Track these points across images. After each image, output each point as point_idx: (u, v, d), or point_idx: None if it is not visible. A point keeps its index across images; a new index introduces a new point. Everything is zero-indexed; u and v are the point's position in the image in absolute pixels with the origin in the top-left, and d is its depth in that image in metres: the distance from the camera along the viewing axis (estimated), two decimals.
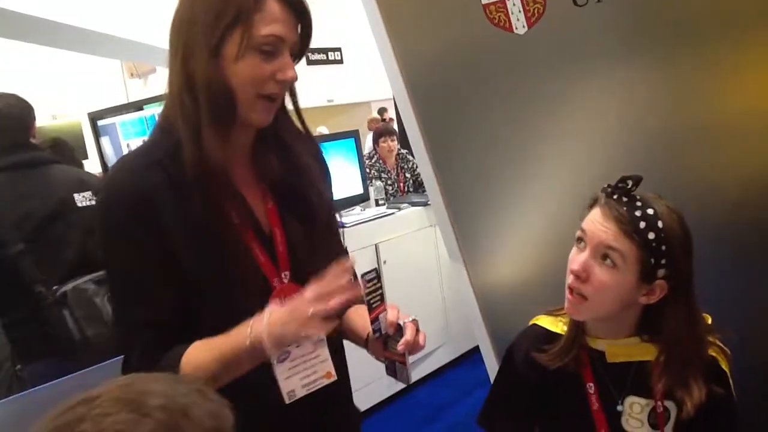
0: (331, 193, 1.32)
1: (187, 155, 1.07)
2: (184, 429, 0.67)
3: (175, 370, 1.04)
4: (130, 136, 3.25)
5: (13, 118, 2.27)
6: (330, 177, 1.34)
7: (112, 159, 3.25)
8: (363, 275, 1.14)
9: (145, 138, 1.21)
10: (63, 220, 2.22)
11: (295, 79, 1.11)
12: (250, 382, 1.13)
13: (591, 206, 1.23)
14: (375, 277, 1.14)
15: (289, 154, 1.18)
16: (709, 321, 1.29)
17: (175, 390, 0.71)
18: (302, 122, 1.22)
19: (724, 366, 1.27)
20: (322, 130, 6.31)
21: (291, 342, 1.07)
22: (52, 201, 2.21)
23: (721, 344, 1.29)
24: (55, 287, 2.12)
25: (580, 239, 1.22)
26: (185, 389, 0.72)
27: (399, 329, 1.16)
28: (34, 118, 2.38)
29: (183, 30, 1.07)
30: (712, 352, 1.27)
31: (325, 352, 1.20)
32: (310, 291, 1.03)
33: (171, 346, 1.07)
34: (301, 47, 1.14)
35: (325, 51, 8.21)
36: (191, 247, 1.07)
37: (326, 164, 1.34)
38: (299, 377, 1.16)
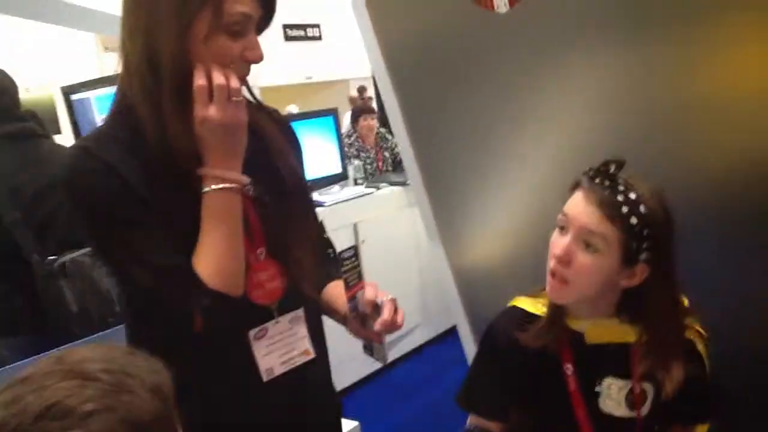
0: (302, 164, 1.30)
1: (149, 135, 1.04)
2: (129, 386, 0.69)
3: (198, 284, 1.02)
4: (105, 111, 3.18)
5: (4, 89, 2.24)
6: (299, 148, 1.31)
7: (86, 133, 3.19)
8: (340, 253, 1.13)
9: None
10: (53, 195, 2.19)
11: (262, 58, 1.08)
12: (229, 363, 1.12)
13: (573, 189, 1.22)
14: (353, 255, 1.14)
15: (249, 124, 1.15)
16: (686, 303, 1.30)
17: (109, 354, 0.72)
18: (253, 96, 1.19)
19: (700, 348, 1.29)
20: (291, 109, 6.24)
21: (231, 140, 1.06)
22: (44, 175, 2.18)
23: (698, 327, 1.30)
24: (51, 258, 2.09)
25: (561, 223, 1.22)
26: (118, 352, 0.73)
27: (377, 308, 1.15)
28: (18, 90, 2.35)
29: (144, 8, 1.03)
30: (689, 335, 1.28)
31: (302, 330, 1.20)
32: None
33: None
34: (264, 25, 1.11)
35: (303, 27, 8.12)
36: (163, 225, 1.05)
37: (295, 136, 1.31)
38: (277, 355, 1.16)
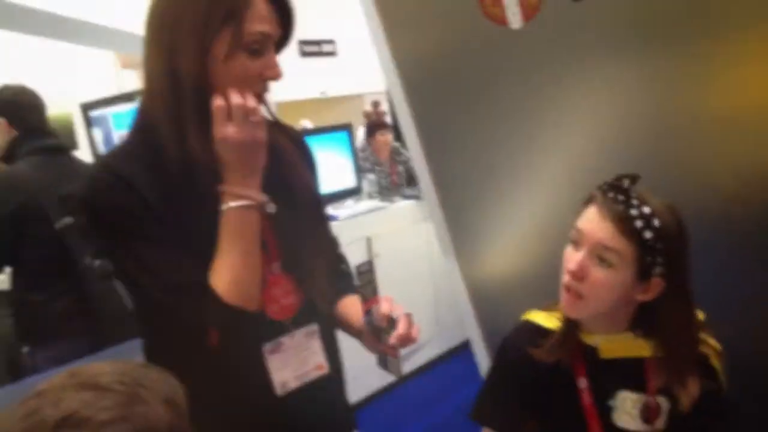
0: (316, 179, 1.31)
1: (170, 153, 1.05)
2: (143, 397, 0.71)
3: (215, 300, 1.04)
4: (122, 127, 3.22)
5: (38, 104, 2.33)
6: (314, 163, 1.33)
7: (103, 150, 3.23)
8: (356, 267, 1.14)
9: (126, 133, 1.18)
10: None
11: (281, 77, 1.10)
12: (243, 377, 1.13)
13: (586, 204, 1.23)
14: (368, 269, 1.15)
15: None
16: (701, 317, 1.30)
17: (123, 367, 0.74)
18: (269, 112, 1.21)
19: (714, 362, 1.28)
20: (305, 123, 6.27)
21: (250, 158, 1.07)
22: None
23: (712, 340, 1.29)
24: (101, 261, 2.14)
25: (575, 238, 1.22)
26: (132, 365, 0.75)
27: (392, 322, 1.16)
28: None
29: (166, 28, 1.05)
30: (703, 349, 1.28)
31: (316, 344, 1.20)
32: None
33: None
34: (283, 43, 1.13)
35: (318, 43, 8.18)
36: (180, 241, 1.06)
37: (309, 151, 1.33)
38: (291, 369, 1.17)
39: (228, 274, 1.05)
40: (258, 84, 1.08)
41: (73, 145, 3.96)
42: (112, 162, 1.09)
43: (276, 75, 1.09)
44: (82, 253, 2.14)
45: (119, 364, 0.75)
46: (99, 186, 1.06)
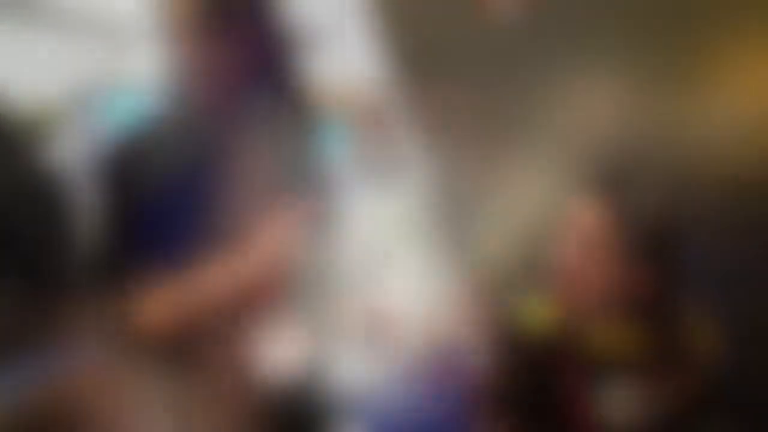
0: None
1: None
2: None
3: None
4: (118, 116, 3.20)
5: None
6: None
7: (97, 140, 3.20)
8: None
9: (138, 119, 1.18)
10: None
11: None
12: (227, 369, 1.12)
13: (578, 196, 1.22)
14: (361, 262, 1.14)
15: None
16: (696, 312, 1.30)
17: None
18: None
19: (707, 357, 1.28)
20: None
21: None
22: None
23: (705, 335, 1.29)
24: None
25: (567, 233, 1.22)
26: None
27: (381, 315, 1.15)
28: None
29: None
30: (697, 343, 1.28)
31: (301, 337, 1.19)
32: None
33: None
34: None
35: (305, 31, 8.19)
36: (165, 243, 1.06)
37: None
38: (276, 361, 1.15)
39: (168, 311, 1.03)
40: None
41: (42, 141, 3.94)
42: (121, 149, 1.08)
43: None
44: (57, 261, 2.11)
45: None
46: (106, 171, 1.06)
